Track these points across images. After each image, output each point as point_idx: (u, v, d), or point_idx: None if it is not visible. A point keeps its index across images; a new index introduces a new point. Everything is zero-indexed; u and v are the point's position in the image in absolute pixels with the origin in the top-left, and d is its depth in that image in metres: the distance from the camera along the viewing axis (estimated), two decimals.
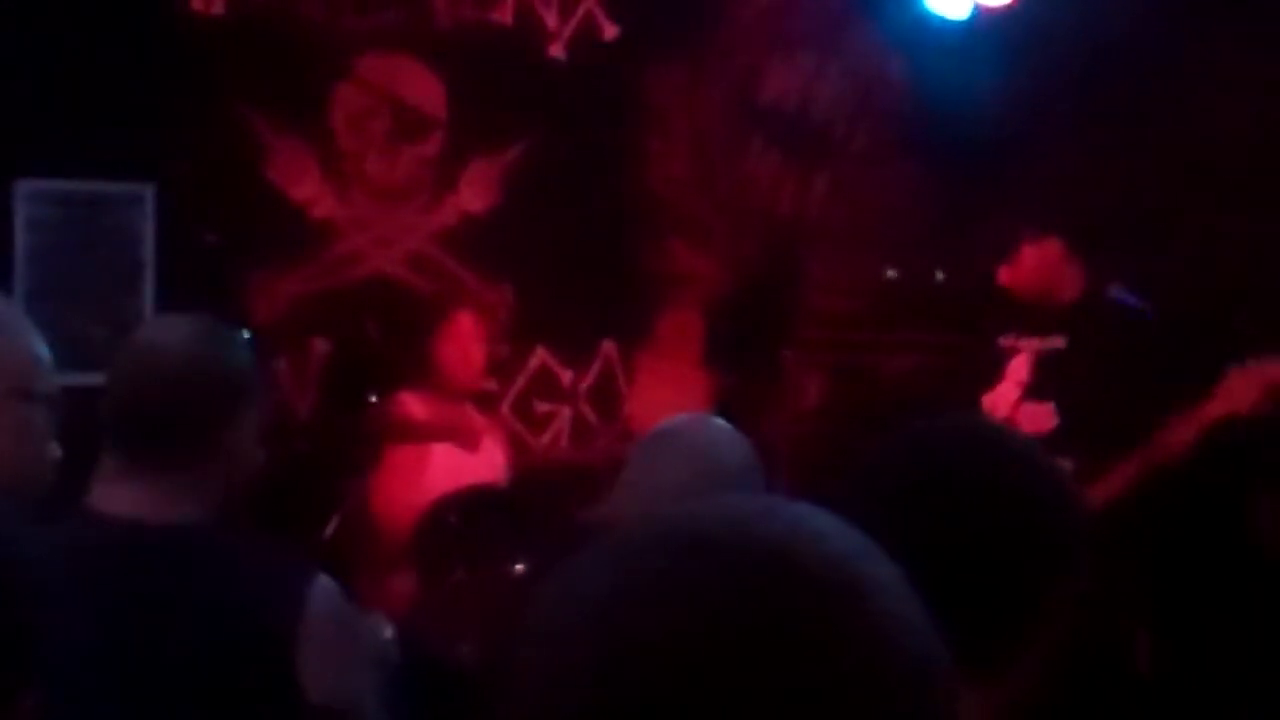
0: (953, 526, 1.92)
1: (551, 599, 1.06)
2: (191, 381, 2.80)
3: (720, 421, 3.63)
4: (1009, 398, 6.25)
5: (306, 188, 7.18)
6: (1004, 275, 6.49)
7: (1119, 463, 5.91)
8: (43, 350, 2.77)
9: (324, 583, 2.77)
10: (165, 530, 2.74)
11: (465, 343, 6.60)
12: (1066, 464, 6.00)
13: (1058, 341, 6.27)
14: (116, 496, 2.77)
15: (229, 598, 2.70)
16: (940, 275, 7.81)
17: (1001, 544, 1.93)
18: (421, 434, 6.47)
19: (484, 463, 6.49)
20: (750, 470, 3.33)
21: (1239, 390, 5.79)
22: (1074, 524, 2.04)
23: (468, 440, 6.50)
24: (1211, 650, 6.52)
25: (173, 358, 2.81)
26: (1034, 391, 6.29)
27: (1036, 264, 6.43)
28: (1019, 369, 6.31)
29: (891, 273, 7.58)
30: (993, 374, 6.30)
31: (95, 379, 2.95)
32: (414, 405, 6.54)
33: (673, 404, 7.30)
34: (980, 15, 7.54)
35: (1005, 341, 6.31)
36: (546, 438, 7.71)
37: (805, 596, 1.02)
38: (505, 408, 7.50)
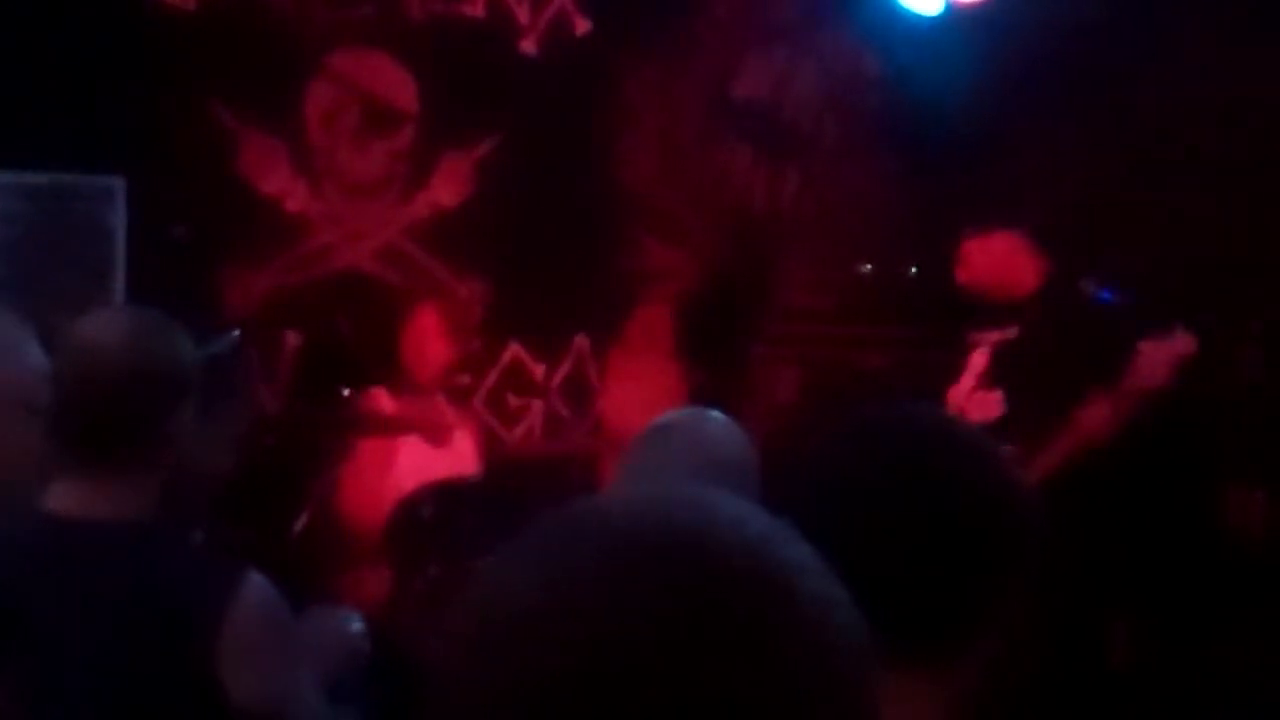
0: (902, 516, 1.92)
1: (478, 605, 1.05)
2: (129, 379, 2.76)
3: (719, 415, 3.62)
4: (966, 389, 6.28)
5: (277, 182, 7.17)
6: (960, 274, 6.51)
7: (1043, 445, 5.95)
8: (44, 363, 2.76)
9: (255, 582, 2.74)
10: (99, 527, 2.72)
11: (425, 337, 6.58)
12: (1008, 450, 6.03)
13: (1013, 332, 6.29)
14: (56, 492, 2.76)
15: (152, 594, 2.68)
16: (913, 270, 7.81)
17: (950, 534, 1.93)
18: (391, 427, 6.47)
19: (455, 457, 6.49)
20: (747, 464, 3.32)
21: (1149, 364, 5.82)
22: (1023, 514, 2.04)
23: (438, 435, 6.50)
24: (1184, 641, 6.54)
25: (110, 354, 2.77)
26: (986, 381, 6.31)
27: (984, 260, 6.45)
28: (978, 361, 6.34)
29: (865, 267, 7.58)
30: (960, 368, 6.32)
31: None
32: (385, 400, 6.54)
33: (645, 399, 7.31)
34: (953, 10, 7.54)
35: (970, 335, 6.33)
36: (519, 431, 7.70)
37: (728, 587, 1.01)
38: (478, 401, 7.49)
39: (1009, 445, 6.05)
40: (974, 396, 6.24)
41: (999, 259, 6.42)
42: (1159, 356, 5.82)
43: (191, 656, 2.65)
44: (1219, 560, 6.55)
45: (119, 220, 6.65)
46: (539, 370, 7.74)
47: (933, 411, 2.18)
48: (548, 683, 0.98)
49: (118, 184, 6.67)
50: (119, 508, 2.74)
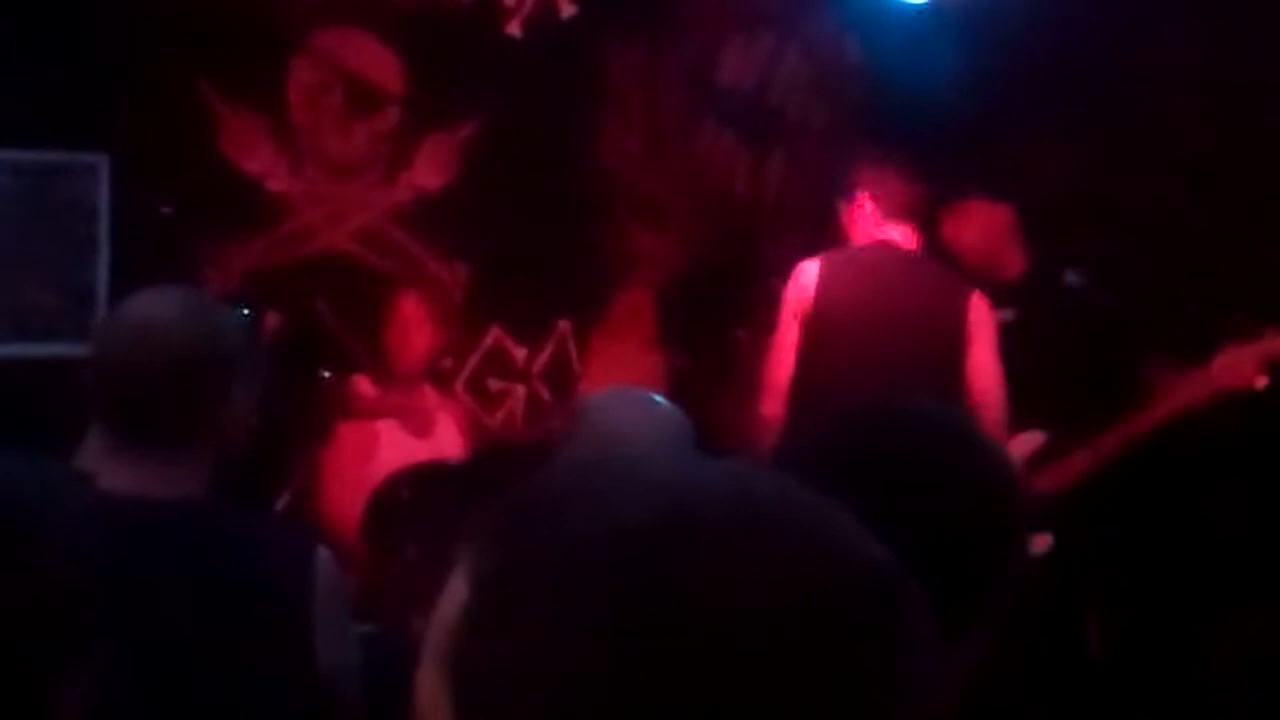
0: (895, 507, 1.91)
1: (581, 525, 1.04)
2: (188, 359, 2.77)
3: (643, 398, 3.63)
4: None
5: (260, 161, 7.15)
6: (947, 227, 6.51)
7: (1090, 439, 5.95)
8: None
9: (325, 554, 2.79)
10: (171, 507, 2.73)
11: (409, 326, 6.57)
12: (1034, 435, 6.06)
13: (1008, 314, 6.28)
14: (118, 475, 2.72)
15: (245, 573, 2.71)
16: None
17: (944, 524, 1.93)
18: (374, 410, 6.45)
19: (438, 442, 6.48)
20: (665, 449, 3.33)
21: (1236, 364, 5.80)
22: (1015, 504, 2.04)
23: (420, 419, 6.49)
24: (1163, 634, 6.56)
25: (168, 334, 2.78)
26: None
27: (983, 225, 6.46)
28: None
29: None
30: None
31: (49, 349, 2.93)
32: (366, 386, 6.52)
33: (627, 383, 7.30)
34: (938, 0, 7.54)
35: None
36: (500, 416, 7.69)
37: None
38: (459, 386, 7.48)
39: (1036, 433, 6.08)
40: None
41: (998, 230, 6.44)
42: (1247, 355, 5.80)
43: (290, 632, 2.69)
44: (1201, 553, 6.57)
45: (102, 197, 6.64)
46: (521, 355, 7.73)
47: (929, 401, 2.18)
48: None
49: (102, 161, 6.66)
50: (179, 487, 2.75)
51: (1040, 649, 5.96)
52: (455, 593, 1.05)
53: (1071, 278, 6.45)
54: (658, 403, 3.62)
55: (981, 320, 5.94)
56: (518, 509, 1.05)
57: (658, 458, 1.10)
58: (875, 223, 6.08)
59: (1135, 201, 7.06)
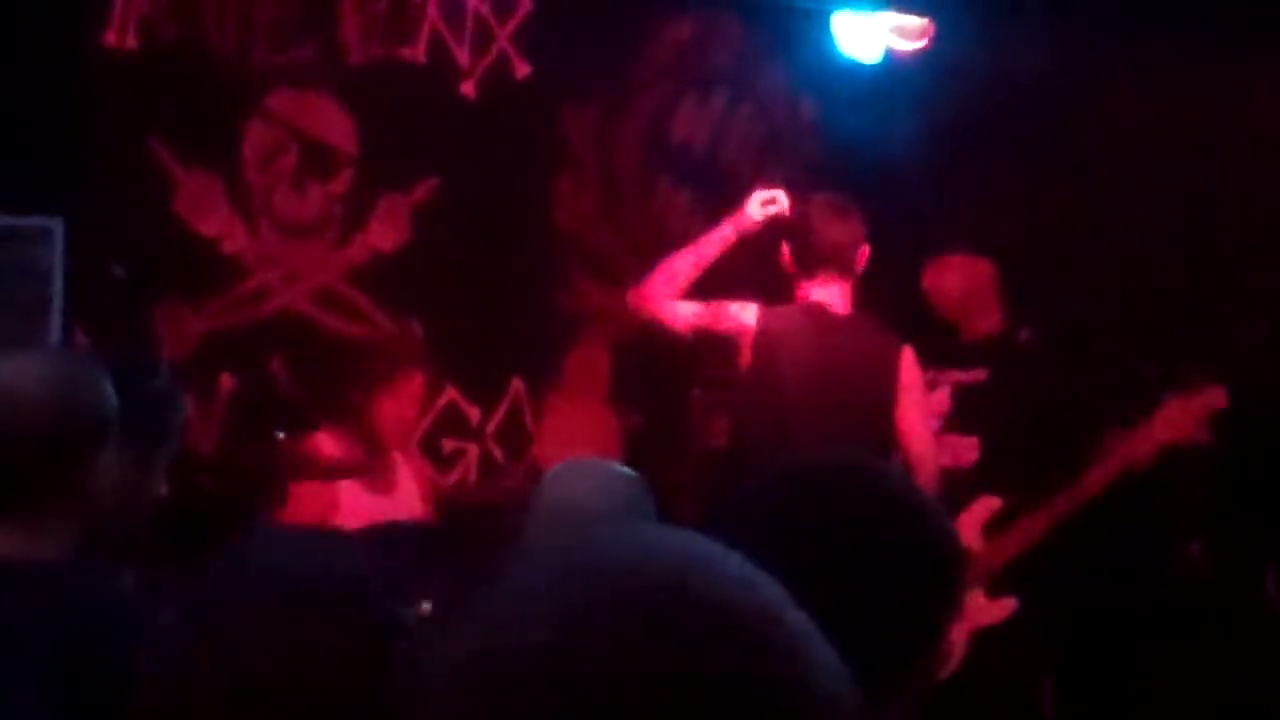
0: (829, 565, 1.91)
1: (479, 638, 1.05)
2: (49, 427, 2.75)
3: (600, 467, 3.64)
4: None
5: (215, 223, 7.14)
6: (928, 277, 6.51)
7: (1044, 502, 5.96)
8: None
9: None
10: (13, 569, 2.70)
11: (409, 403, 6.55)
12: (991, 500, 6.07)
13: (979, 374, 6.29)
14: None
15: (74, 635, 2.65)
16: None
17: (887, 582, 1.94)
18: (331, 472, 6.43)
19: (400, 500, 6.45)
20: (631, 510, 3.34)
21: (1177, 418, 5.83)
22: (950, 558, 2.05)
23: (379, 479, 6.46)
24: (1116, 694, 6.57)
25: (29, 401, 2.76)
26: (955, 424, 6.32)
27: (963, 276, 6.47)
28: (939, 401, 6.34)
29: None
30: None
31: None
32: (326, 444, 6.49)
33: (581, 442, 7.30)
34: (893, 58, 7.58)
35: (930, 374, 6.33)
36: (454, 476, 7.67)
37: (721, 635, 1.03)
38: (413, 446, 7.46)
39: (990, 495, 6.08)
40: (944, 439, 6.25)
41: (979, 283, 6.44)
42: (1188, 409, 5.83)
43: (118, 699, 2.64)
44: (1155, 609, 6.58)
45: (56, 261, 6.62)
46: (474, 414, 7.72)
47: (861, 458, 2.19)
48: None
49: (56, 225, 6.64)
50: (37, 550, 2.73)
51: (996, 713, 5.98)
52: None
53: (1025, 335, 6.48)
54: (615, 471, 3.62)
55: (912, 383, 5.89)
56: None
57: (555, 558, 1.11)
58: (799, 276, 6.01)
59: (1091, 251, 7.10)
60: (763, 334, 5.89)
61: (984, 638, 5.99)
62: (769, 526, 1.99)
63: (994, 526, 6.04)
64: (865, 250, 5.97)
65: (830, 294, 5.94)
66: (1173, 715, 6.44)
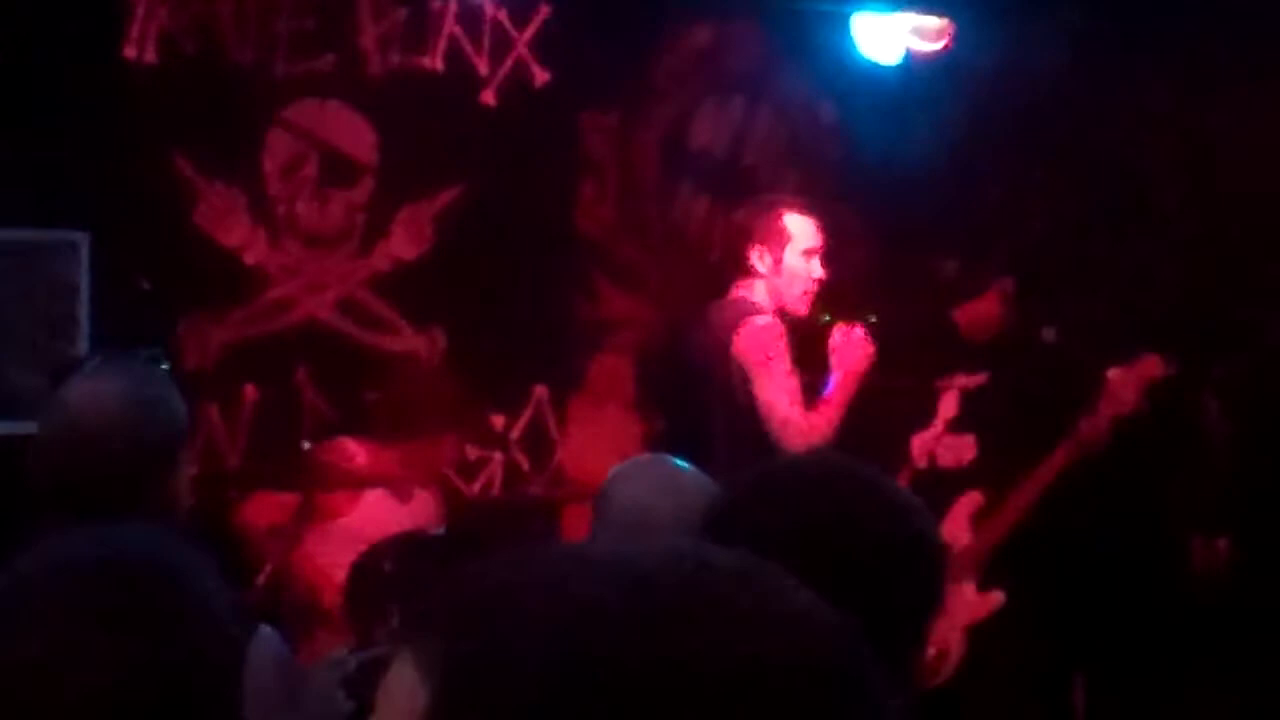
0: (810, 571, 1.91)
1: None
2: (129, 439, 2.76)
3: (665, 466, 3.63)
4: (935, 434, 6.31)
5: (237, 234, 7.16)
6: (963, 313, 6.54)
7: (1015, 490, 6.02)
8: None
9: (265, 635, 2.73)
10: None
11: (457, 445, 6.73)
12: (975, 495, 6.11)
13: (982, 377, 6.32)
14: None
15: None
16: (871, 318, 7.83)
17: (866, 583, 1.94)
18: (354, 482, 6.44)
19: (415, 510, 6.46)
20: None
21: (1118, 391, 5.90)
22: (930, 551, 2.05)
23: (401, 488, 6.47)
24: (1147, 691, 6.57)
25: (113, 418, 2.77)
26: (956, 425, 6.35)
27: (993, 313, 6.51)
28: (948, 406, 6.36)
29: (825, 317, 7.59)
30: (926, 415, 6.34)
31: (29, 428, 2.93)
32: (355, 452, 6.49)
33: (605, 449, 7.30)
34: (912, 60, 7.58)
35: (940, 382, 6.35)
36: (479, 484, 7.68)
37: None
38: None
39: (977, 492, 6.13)
40: (943, 441, 6.28)
41: (994, 312, 6.49)
42: (1128, 381, 5.89)
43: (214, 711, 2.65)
44: (1181, 609, 6.57)
45: (82, 275, 6.64)
46: (498, 422, 7.73)
47: (843, 462, 2.20)
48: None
49: (82, 239, 6.67)
50: None
51: (1028, 710, 5.99)
52: (404, 690, 1.04)
53: (1048, 334, 6.49)
54: (680, 470, 3.60)
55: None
56: (469, 602, 1.06)
57: (599, 543, 1.11)
58: (771, 281, 6.13)
59: (1112, 256, 7.10)
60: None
61: (1013, 635, 6.02)
62: (752, 531, 2.00)
63: (978, 519, 6.09)
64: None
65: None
66: (1204, 713, 6.44)
